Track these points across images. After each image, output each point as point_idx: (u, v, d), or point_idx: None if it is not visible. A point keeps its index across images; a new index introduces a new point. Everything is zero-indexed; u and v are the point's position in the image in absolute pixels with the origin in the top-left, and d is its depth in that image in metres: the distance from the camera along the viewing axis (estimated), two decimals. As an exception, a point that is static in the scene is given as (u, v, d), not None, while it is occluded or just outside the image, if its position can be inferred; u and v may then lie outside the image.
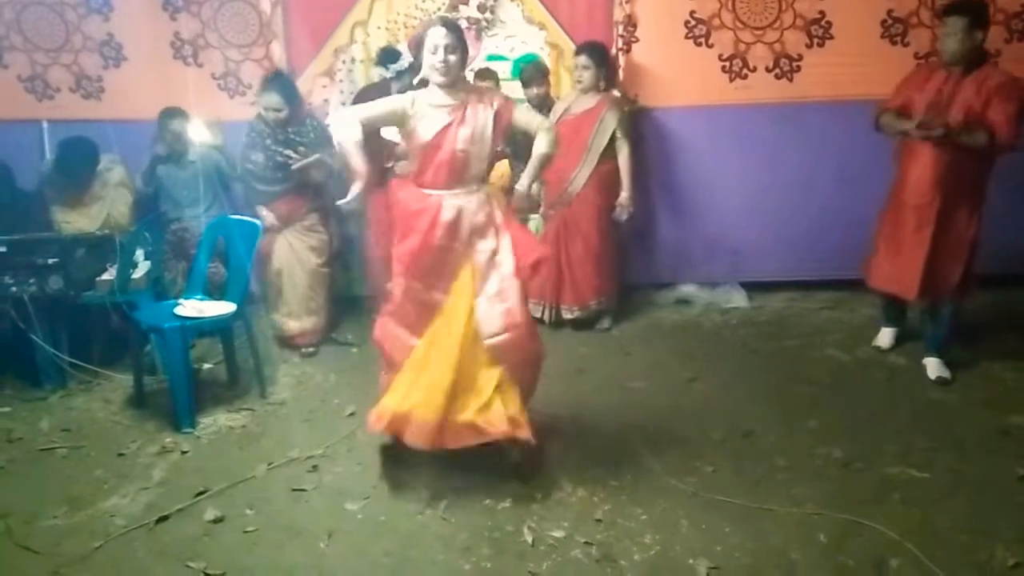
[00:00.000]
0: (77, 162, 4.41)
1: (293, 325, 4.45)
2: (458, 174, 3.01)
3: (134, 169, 4.65)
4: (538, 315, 4.56)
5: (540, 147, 3.07)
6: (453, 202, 3.01)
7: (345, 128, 2.98)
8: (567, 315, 4.65)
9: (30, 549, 2.77)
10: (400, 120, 3.02)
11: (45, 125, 5.06)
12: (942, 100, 3.65)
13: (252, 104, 4.92)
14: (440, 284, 3.06)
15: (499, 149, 3.51)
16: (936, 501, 2.93)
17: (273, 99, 4.21)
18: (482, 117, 2.99)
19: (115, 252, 4.02)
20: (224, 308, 3.80)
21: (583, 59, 4.47)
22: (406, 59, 4.42)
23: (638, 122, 4.84)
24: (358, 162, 2.95)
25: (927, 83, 3.74)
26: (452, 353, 2.99)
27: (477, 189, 3.05)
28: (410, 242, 3.04)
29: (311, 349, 4.46)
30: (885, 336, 4.22)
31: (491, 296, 3.03)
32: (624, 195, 4.55)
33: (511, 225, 3.11)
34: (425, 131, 2.97)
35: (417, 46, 3.02)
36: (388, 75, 4.39)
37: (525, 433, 3.01)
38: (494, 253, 3.05)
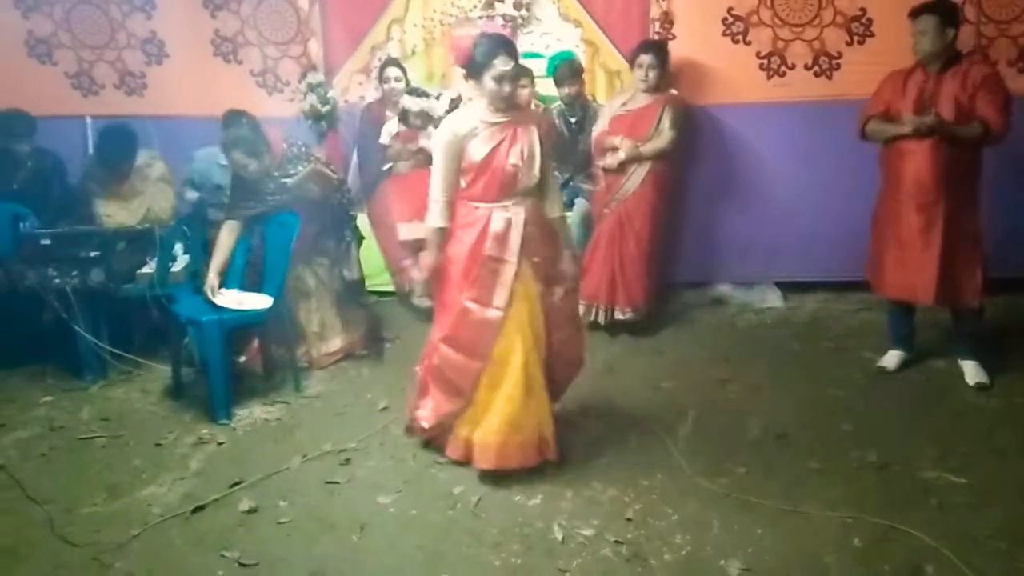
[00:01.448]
0: (117, 147, 4.48)
1: (333, 344, 4.27)
2: (508, 188, 3.04)
3: (175, 165, 4.72)
4: (592, 318, 4.52)
5: (553, 211, 3.20)
6: (502, 214, 3.04)
7: (435, 217, 3.07)
8: (620, 316, 4.56)
9: (69, 541, 2.82)
10: (461, 151, 3.05)
11: (89, 121, 5.17)
12: (926, 99, 3.64)
13: (290, 101, 5.00)
14: (494, 301, 3.06)
15: None
16: (975, 507, 2.88)
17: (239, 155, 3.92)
18: (530, 133, 3.05)
19: (155, 246, 4.09)
20: (262, 301, 3.85)
21: (649, 58, 4.42)
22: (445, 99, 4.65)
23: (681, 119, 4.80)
24: (435, 249, 3.10)
25: (906, 85, 3.73)
26: (519, 373, 3.04)
27: (525, 200, 3.08)
28: (458, 255, 3.07)
29: (364, 352, 4.37)
30: (892, 358, 4.01)
31: (551, 306, 3.15)
32: (631, 145, 4.42)
33: None
34: (477, 151, 3.01)
35: (470, 63, 3.02)
36: (409, 107, 4.51)
37: (552, 453, 3.15)
38: (553, 261, 3.13)
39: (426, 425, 3.27)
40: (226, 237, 3.96)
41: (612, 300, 4.55)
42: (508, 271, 3.04)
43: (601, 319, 4.56)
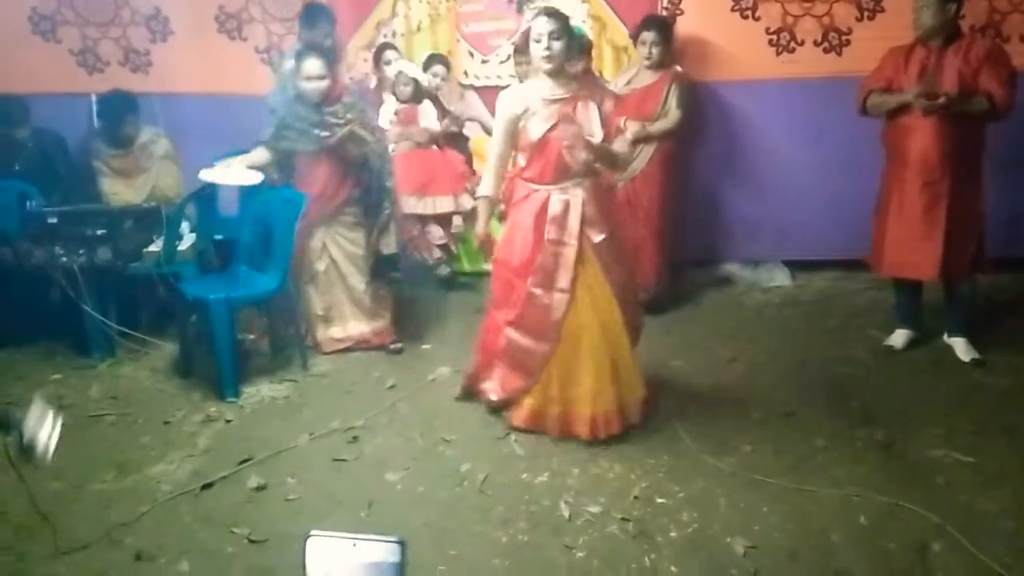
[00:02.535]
0: (117, 112, 4.47)
1: (345, 330, 4.13)
2: (564, 170, 3.03)
3: (180, 143, 4.70)
4: None
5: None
6: (560, 196, 3.04)
7: (485, 186, 3.14)
8: None
9: (80, 518, 2.85)
10: (516, 130, 3.07)
11: (94, 99, 5.14)
12: (928, 75, 3.61)
13: (294, 78, 4.94)
14: (559, 283, 3.09)
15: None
16: (981, 486, 2.88)
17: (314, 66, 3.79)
18: (591, 112, 3.01)
19: (161, 224, 4.09)
20: (249, 177, 3.84)
21: (652, 35, 4.37)
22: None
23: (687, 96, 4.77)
24: (484, 220, 3.17)
25: (908, 61, 3.70)
26: (598, 348, 3.11)
27: (582, 181, 3.07)
28: (520, 241, 3.10)
29: (399, 345, 4.13)
30: (899, 337, 4.01)
31: (618, 283, 3.18)
32: (638, 128, 4.35)
33: None
34: (535, 130, 3.00)
35: (525, 42, 3.05)
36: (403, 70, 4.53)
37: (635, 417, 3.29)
38: (606, 241, 3.11)
39: (494, 398, 3.36)
40: (252, 157, 3.90)
41: None
42: (570, 253, 3.07)
43: None
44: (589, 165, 3.05)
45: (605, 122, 3.04)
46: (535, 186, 3.08)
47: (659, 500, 2.86)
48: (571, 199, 3.05)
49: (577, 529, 2.72)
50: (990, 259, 3.90)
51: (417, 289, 4.89)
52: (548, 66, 2.99)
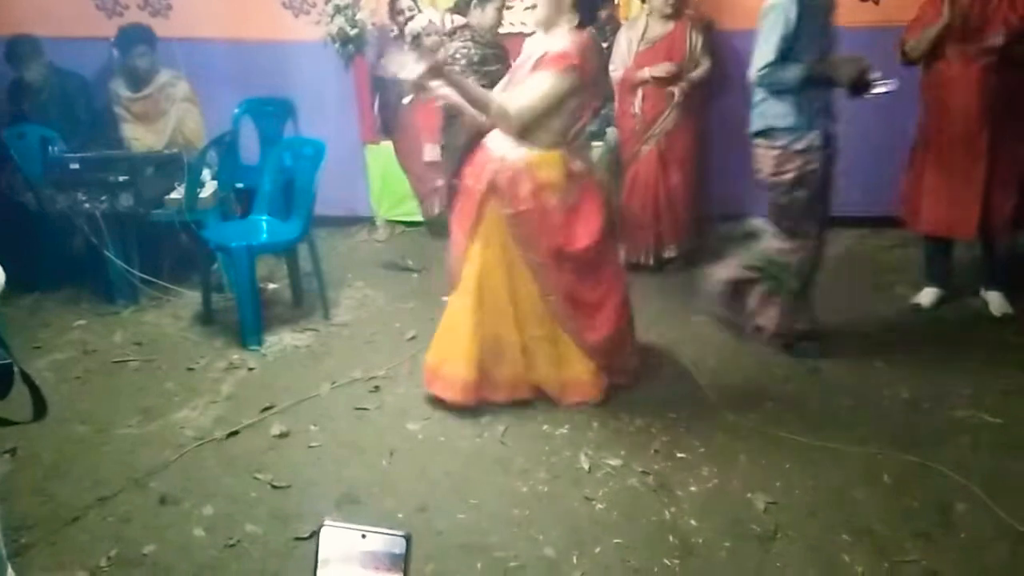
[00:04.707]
0: (133, 40, 4.43)
1: None
2: (485, 115, 2.94)
3: (200, 88, 4.65)
4: (639, 260, 4.46)
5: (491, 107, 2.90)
6: (490, 141, 2.95)
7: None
8: (667, 255, 4.50)
9: (107, 460, 2.89)
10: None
11: (113, 43, 5.09)
12: (971, 23, 3.47)
13: (316, 23, 4.87)
14: (466, 229, 3.00)
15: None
16: (1008, 447, 2.84)
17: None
18: (526, 65, 2.89)
19: (183, 171, 4.07)
20: None
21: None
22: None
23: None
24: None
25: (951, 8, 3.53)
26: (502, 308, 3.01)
27: (513, 143, 2.90)
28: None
29: None
30: (927, 296, 3.92)
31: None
32: (671, 67, 4.26)
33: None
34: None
35: None
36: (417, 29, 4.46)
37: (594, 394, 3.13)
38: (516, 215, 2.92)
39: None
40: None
41: (659, 239, 4.49)
42: (474, 202, 2.95)
43: (650, 260, 4.49)
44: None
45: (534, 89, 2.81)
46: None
47: (679, 454, 2.85)
48: (506, 154, 2.89)
49: (597, 481, 2.72)
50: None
51: (440, 239, 4.86)
52: (534, 17, 2.88)
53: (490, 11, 3.63)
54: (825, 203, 3.37)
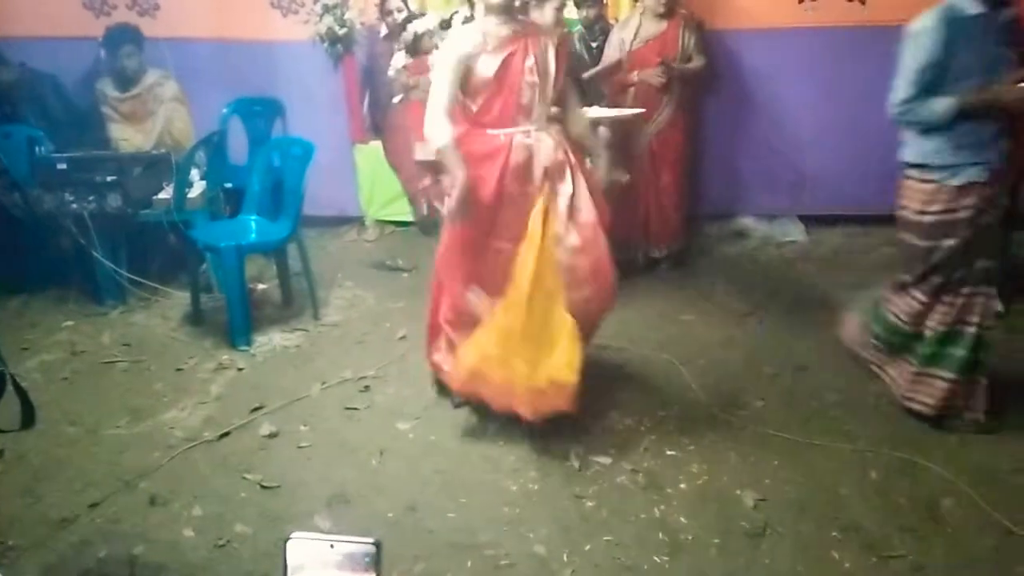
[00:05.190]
0: (121, 41, 4.40)
1: None
2: (527, 108, 2.82)
3: (188, 88, 4.64)
4: (627, 259, 4.35)
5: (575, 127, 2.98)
6: (523, 141, 2.82)
7: (441, 133, 2.77)
8: (656, 255, 4.51)
9: (96, 461, 2.88)
10: (467, 70, 2.80)
11: (101, 43, 5.07)
12: None
13: (305, 23, 4.87)
14: (507, 233, 2.86)
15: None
16: (994, 443, 2.86)
17: None
18: (543, 47, 2.82)
19: (171, 171, 4.06)
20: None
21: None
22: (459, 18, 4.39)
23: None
24: (458, 163, 2.76)
25: None
26: (523, 309, 2.80)
27: (548, 126, 2.86)
28: (482, 191, 2.81)
29: None
30: None
31: (575, 249, 2.83)
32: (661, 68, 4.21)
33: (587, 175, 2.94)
34: (487, 67, 2.77)
35: None
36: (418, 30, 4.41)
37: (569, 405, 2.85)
38: (572, 198, 2.83)
39: (447, 368, 3.13)
40: None
41: (648, 238, 4.49)
42: (528, 204, 2.83)
43: (640, 259, 4.49)
44: (551, 102, 2.86)
45: (559, 60, 2.83)
46: (495, 131, 2.84)
47: (669, 452, 2.86)
48: (535, 144, 2.82)
49: (587, 479, 2.73)
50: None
51: (430, 238, 4.86)
52: (502, 14, 2.78)
53: (549, 11, 3.46)
54: (986, 255, 2.86)
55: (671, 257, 4.53)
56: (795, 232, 4.96)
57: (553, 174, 2.84)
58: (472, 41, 2.81)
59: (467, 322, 2.96)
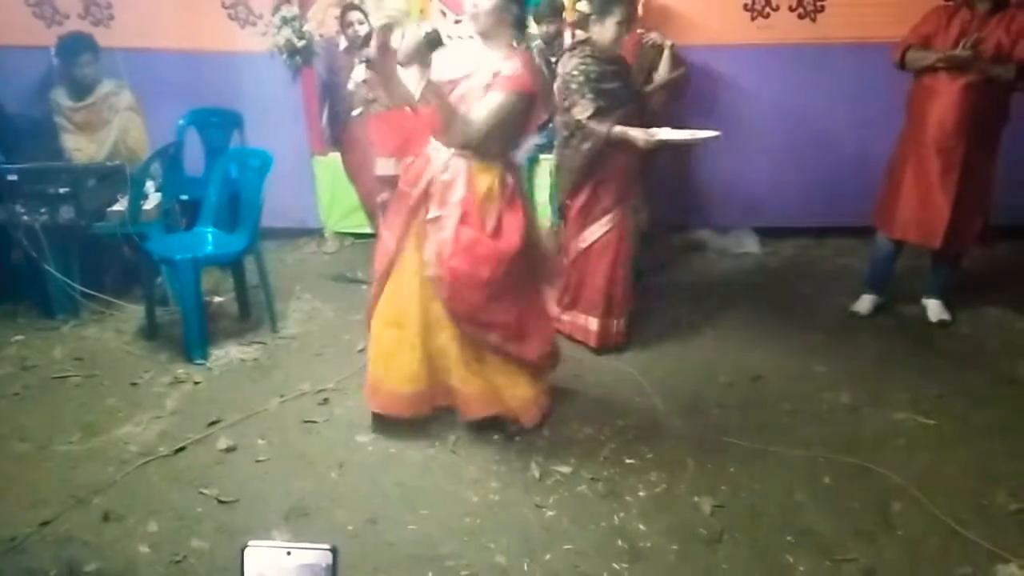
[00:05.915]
0: (76, 50, 4.32)
1: None
2: (442, 128, 2.83)
3: (144, 99, 4.58)
4: None
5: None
6: (430, 151, 2.89)
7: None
8: None
9: (47, 478, 2.82)
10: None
11: (54, 52, 4.99)
12: (968, 39, 3.55)
13: (263, 35, 4.84)
14: (389, 221, 2.98)
15: None
16: (943, 447, 2.95)
17: None
18: (478, 82, 2.79)
19: (126, 183, 4.00)
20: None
21: (620, 14, 4.23)
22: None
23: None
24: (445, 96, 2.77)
25: (950, 23, 3.64)
26: (413, 313, 2.92)
27: (453, 152, 2.83)
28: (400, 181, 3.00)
29: None
30: (864, 303, 4.07)
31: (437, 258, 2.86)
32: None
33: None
34: (439, 69, 2.76)
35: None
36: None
37: (531, 417, 3.01)
38: (438, 219, 2.84)
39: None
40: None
41: None
42: (410, 206, 2.89)
43: None
44: (468, 140, 2.80)
45: (492, 108, 2.75)
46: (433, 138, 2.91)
47: (628, 460, 2.89)
48: (434, 158, 2.86)
49: (547, 488, 2.74)
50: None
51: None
52: (471, 25, 2.79)
53: (610, 25, 3.41)
54: None
55: None
56: (750, 244, 5.05)
57: (436, 191, 2.85)
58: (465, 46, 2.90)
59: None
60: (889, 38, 3.94)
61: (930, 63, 3.61)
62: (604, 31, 3.42)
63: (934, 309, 3.97)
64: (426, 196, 2.88)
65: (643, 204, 3.82)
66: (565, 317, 3.74)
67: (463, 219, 2.82)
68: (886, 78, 3.93)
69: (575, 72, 3.48)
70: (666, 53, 4.00)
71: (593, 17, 3.50)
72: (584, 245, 3.65)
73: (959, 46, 3.50)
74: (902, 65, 3.75)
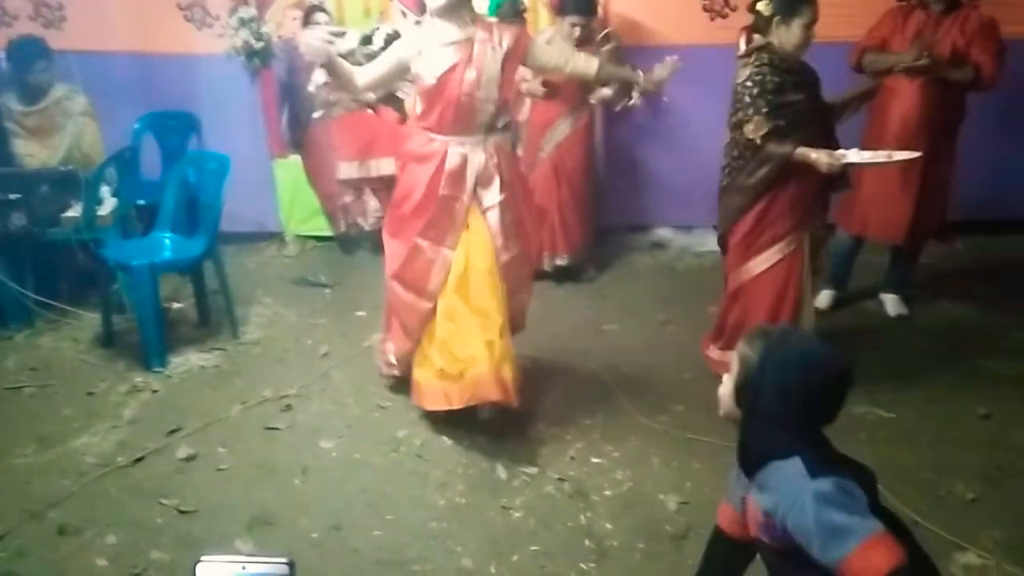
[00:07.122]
0: (27, 55, 4.21)
1: None
2: (464, 120, 2.85)
3: (97, 103, 4.49)
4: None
5: (589, 69, 3.06)
6: (458, 150, 2.87)
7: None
8: (559, 263, 4.51)
9: None
10: (406, 71, 2.88)
11: (2, 55, 4.87)
12: (924, 39, 3.64)
13: (220, 36, 4.77)
14: (431, 233, 2.92)
15: None
16: (901, 440, 3.00)
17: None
18: (490, 58, 2.79)
19: (80, 188, 3.91)
20: None
21: (575, 18, 4.19)
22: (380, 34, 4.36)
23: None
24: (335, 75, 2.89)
25: (905, 24, 3.71)
26: (467, 313, 2.91)
27: (485, 139, 2.90)
28: (413, 190, 2.92)
29: None
30: (824, 298, 4.09)
31: (505, 254, 2.99)
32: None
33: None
34: (428, 73, 2.78)
35: None
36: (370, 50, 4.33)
37: (511, 398, 2.92)
38: (500, 207, 2.94)
39: (393, 360, 3.22)
40: None
41: (551, 247, 4.53)
42: (461, 209, 2.91)
43: (546, 265, 4.53)
44: (491, 115, 2.87)
45: (507, 70, 2.83)
46: (433, 135, 2.90)
47: (594, 460, 2.90)
48: (469, 154, 2.87)
49: (514, 490, 2.74)
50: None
51: (352, 255, 4.83)
52: (436, 4, 2.75)
53: (796, 28, 3.01)
54: None
55: (574, 268, 4.57)
56: (712, 242, 5.08)
57: (483, 183, 2.92)
58: (417, 45, 2.84)
59: (397, 316, 3.09)
60: (848, 38, 3.98)
61: (888, 66, 3.68)
62: (789, 35, 3.03)
63: (892, 304, 4.04)
64: (476, 193, 2.92)
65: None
66: (714, 354, 3.44)
67: (514, 193, 2.98)
68: (845, 78, 3.97)
69: (749, 83, 3.09)
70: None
71: (777, 19, 3.06)
72: (748, 277, 3.31)
73: (917, 54, 3.57)
74: (860, 68, 3.81)
